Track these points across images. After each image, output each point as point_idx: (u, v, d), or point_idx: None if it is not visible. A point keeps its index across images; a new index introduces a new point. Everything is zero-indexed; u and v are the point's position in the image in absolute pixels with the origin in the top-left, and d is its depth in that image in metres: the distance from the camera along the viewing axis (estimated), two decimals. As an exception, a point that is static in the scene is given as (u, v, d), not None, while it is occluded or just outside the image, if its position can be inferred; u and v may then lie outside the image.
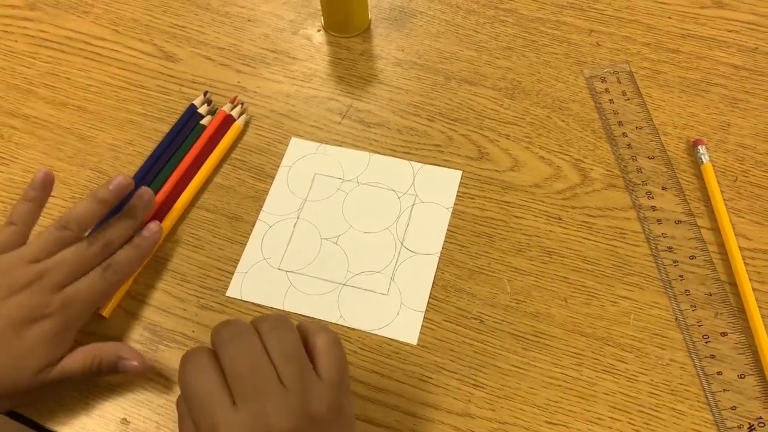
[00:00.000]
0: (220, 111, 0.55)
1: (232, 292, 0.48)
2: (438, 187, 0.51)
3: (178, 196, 0.51)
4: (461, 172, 0.52)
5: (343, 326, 0.46)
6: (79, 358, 0.42)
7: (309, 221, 0.51)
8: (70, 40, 0.61)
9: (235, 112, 0.55)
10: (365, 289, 0.48)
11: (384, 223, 0.50)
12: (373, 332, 0.46)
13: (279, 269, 0.49)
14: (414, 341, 0.45)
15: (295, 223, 0.51)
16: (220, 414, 0.32)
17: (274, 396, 0.33)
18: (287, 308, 0.47)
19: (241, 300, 0.48)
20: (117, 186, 0.45)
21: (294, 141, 0.54)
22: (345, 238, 0.50)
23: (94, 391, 0.44)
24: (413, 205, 0.51)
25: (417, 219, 0.50)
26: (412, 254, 0.49)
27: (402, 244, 0.49)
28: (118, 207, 0.46)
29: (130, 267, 0.45)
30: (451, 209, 0.50)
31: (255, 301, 0.47)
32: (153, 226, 0.47)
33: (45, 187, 0.45)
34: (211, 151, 0.53)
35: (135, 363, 0.42)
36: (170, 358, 0.46)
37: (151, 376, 0.45)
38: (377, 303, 0.47)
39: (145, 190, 0.47)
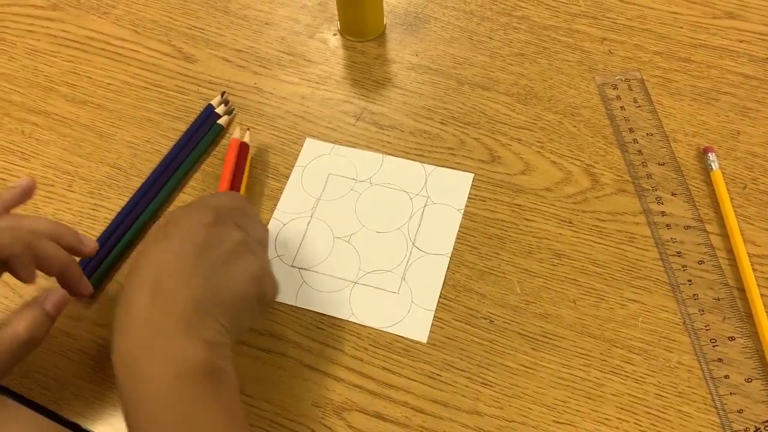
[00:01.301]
0: (233, 140, 0.53)
1: (245, 287, 0.49)
2: (450, 189, 0.52)
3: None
4: (473, 174, 0.53)
5: (355, 323, 0.47)
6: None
7: (322, 220, 0.51)
8: (91, 40, 0.63)
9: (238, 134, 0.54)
10: (376, 288, 0.48)
11: (396, 223, 0.51)
12: (384, 330, 0.47)
13: (292, 266, 0.49)
14: (424, 339, 0.46)
15: (309, 222, 0.51)
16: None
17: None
18: (299, 304, 0.48)
19: (254, 296, 0.48)
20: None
21: (309, 142, 0.55)
22: (357, 237, 0.50)
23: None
24: (425, 206, 0.52)
25: (429, 220, 0.51)
26: (424, 254, 0.49)
27: (413, 244, 0.50)
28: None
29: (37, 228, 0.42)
30: (462, 211, 0.51)
31: (268, 297, 0.48)
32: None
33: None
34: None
35: (60, 293, 0.42)
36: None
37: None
38: (388, 301, 0.48)
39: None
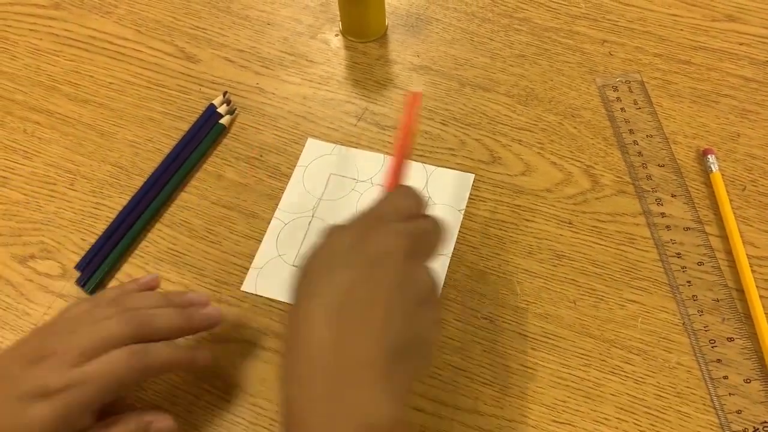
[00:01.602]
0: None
1: (247, 286, 0.49)
2: (450, 190, 0.52)
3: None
4: (473, 175, 0.53)
5: (355, 323, 0.47)
6: None
7: (324, 220, 0.52)
8: (93, 40, 0.63)
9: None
10: (377, 287, 0.48)
11: (397, 223, 0.51)
12: (385, 329, 0.47)
13: (294, 265, 0.50)
14: (424, 339, 0.46)
15: (310, 222, 0.52)
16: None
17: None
18: (301, 304, 0.48)
19: (255, 295, 0.48)
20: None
21: (310, 142, 0.56)
22: (358, 237, 0.51)
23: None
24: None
25: (429, 220, 0.51)
26: (424, 254, 0.50)
27: (414, 244, 0.50)
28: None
29: (164, 358, 0.40)
30: (463, 211, 0.51)
31: (270, 296, 0.48)
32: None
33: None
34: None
35: (168, 422, 0.40)
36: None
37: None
38: (389, 301, 0.48)
39: (214, 311, 0.43)
